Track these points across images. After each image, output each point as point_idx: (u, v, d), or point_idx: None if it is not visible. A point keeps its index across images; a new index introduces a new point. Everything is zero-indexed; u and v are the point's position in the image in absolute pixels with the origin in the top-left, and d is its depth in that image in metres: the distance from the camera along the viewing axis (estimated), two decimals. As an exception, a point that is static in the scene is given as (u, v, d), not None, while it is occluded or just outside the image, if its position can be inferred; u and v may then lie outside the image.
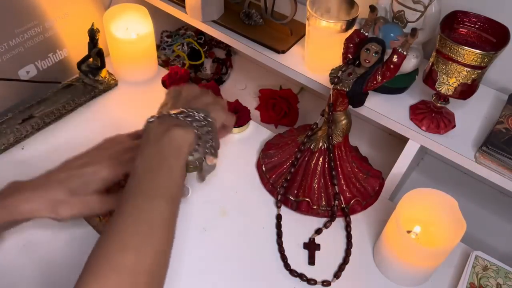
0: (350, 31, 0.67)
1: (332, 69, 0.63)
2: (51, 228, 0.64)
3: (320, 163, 0.69)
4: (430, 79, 0.63)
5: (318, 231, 0.67)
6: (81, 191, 0.56)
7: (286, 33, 0.79)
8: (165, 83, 0.85)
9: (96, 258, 0.44)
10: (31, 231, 0.63)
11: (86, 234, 0.64)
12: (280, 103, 0.91)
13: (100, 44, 0.79)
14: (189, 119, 0.53)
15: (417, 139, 0.68)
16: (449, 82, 0.61)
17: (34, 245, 0.62)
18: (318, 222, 0.69)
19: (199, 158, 0.56)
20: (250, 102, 0.95)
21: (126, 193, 0.49)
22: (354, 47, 0.62)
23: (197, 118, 0.54)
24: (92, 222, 0.65)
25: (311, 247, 0.65)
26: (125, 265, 0.43)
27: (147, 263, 0.44)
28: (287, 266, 0.63)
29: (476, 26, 0.61)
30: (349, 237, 0.67)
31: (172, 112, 0.54)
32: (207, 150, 0.55)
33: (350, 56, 0.63)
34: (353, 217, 0.69)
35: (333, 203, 0.68)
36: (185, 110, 0.54)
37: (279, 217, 0.68)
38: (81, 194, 0.56)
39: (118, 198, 0.58)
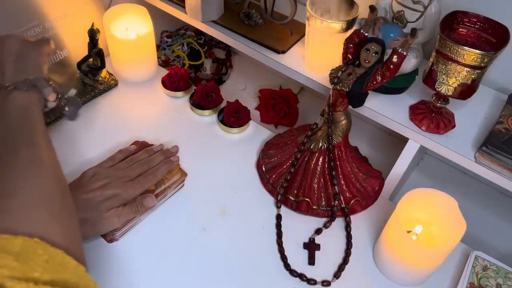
0: (350, 31, 0.67)
1: (332, 69, 0.63)
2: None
3: (320, 163, 0.69)
4: (430, 79, 0.63)
5: (318, 231, 0.67)
6: (102, 209, 0.59)
7: (286, 33, 0.79)
8: (165, 83, 0.85)
9: None
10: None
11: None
12: (280, 103, 0.91)
13: (100, 44, 0.79)
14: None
15: (417, 139, 0.68)
16: (449, 82, 0.61)
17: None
18: (318, 222, 0.69)
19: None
20: (250, 102, 0.95)
21: None
22: (354, 47, 0.62)
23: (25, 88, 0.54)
24: None
25: (311, 247, 0.65)
26: (14, 205, 0.43)
27: (39, 194, 0.45)
28: (287, 266, 0.63)
29: (476, 26, 0.61)
30: (349, 237, 0.67)
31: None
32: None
33: (350, 56, 0.63)
34: (353, 217, 0.69)
35: (333, 203, 0.68)
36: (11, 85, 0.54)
37: (279, 217, 0.68)
38: (102, 212, 0.59)
39: (134, 207, 0.62)
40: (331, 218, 0.68)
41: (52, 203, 0.45)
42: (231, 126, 0.79)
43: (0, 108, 0.52)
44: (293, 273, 0.62)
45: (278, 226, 0.67)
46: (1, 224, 0.40)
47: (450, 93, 0.62)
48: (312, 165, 0.69)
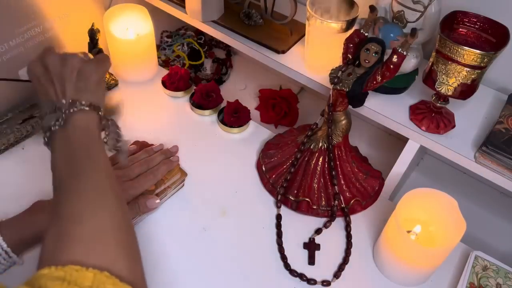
0: (350, 31, 0.67)
1: (332, 69, 0.63)
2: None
3: (320, 163, 0.69)
4: (430, 79, 0.63)
5: (318, 231, 0.67)
6: None
7: (286, 33, 0.79)
8: (165, 83, 0.85)
9: (55, 240, 0.42)
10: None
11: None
12: (280, 103, 0.91)
13: (100, 44, 0.80)
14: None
15: (417, 139, 0.68)
16: (449, 82, 0.61)
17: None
18: (318, 222, 0.69)
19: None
20: (250, 102, 0.95)
21: (57, 188, 0.47)
22: (354, 47, 0.62)
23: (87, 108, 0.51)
24: None
25: (311, 247, 0.65)
26: (84, 234, 0.41)
27: (107, 224, 0.43)
28: (287, 266, 0.63)
29: (476, 26, 0.61)
30: (349, 237, 0.67)
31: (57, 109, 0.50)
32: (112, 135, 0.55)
33: (350, 56, 0.63)
34: (353, 217, 0.69)
35: (333, 203, 0.68)
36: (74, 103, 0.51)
37: (279, 217, 0.68)
38: None
39: (135, 207, 0.62)
40: (331, 218, 0.68)
41: (119, 234, 0.43)
42: (231, 126, 0.79)
43: (62, 129, 0.49)
44: (293, 273, 0.62)
45: (278, 226, 0.67)
46: (72, 253, 0.39)
47: (450, 93, 0.62)
48: (312, 165, 0.69)
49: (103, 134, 0.54)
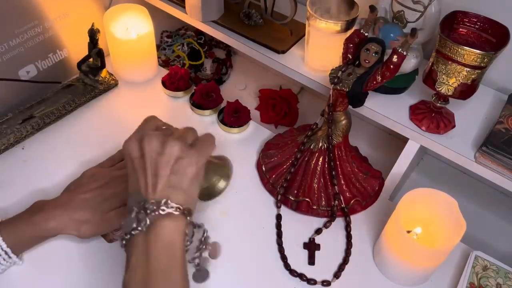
0: (350, 31, 0.67)
1: (332, 69, 0.63)
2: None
3: (320, 163, 0.69)
4: (430, 79, 0.63)
5: (318, 231, 0.67)
6: (102, 210, 0.59)
7: (286, 33, 0.79)
8: (165, 83, 0.85)
9: None
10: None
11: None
12: (280, 103, 0.91)
13: (100, 44, 0.79)
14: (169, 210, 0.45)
15: (417, 139, 0.68)
16: (449, 82, 0.61)
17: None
18: (318, 222, 0.69)
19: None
20: (250, 102, 0.95)
21: None
22: (354, 47, 0.62)
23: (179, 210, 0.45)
24: None
25: (311, 247, 0.65)
26: None
27: None
28: (287, 266, 0.63)
29: (476, 26, 0.61)
30: (349, 237, 0.67)
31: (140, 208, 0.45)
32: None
33: (350, 56, 0.63)
34: (353, 217, 0.69)
35: (333, 203, 0.68)
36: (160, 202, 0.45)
37: (279, 217, 0.68)
38: (103, 213, 0.59)
39: None
40: (331, 218, 0.68)
41: None
42: (231, 126, 0.79)
43: (143, 238, 0.44)
44: (293, 273, 0.62)
45: (278, 226, 0.67)
46: None
47: (450, 93, 0.62)
48: (312, 165, 0.69)
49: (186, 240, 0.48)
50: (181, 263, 0.45)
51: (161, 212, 0.44)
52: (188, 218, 0.46)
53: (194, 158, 0.48)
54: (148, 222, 0.44)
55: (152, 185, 0.46)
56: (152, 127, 0.51)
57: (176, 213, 0.45)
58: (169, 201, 0.45)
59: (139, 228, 0.44)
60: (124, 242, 0.46)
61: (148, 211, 0.44)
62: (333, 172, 0.68)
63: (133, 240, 0.45)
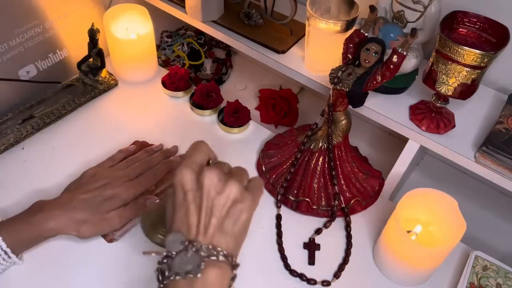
0: (350, 31, 0.67)
1: (332, 69, 0.63)
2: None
3: (320, 163, 0.69)
4: (430, 79, 0.63)
5: (318, 231, 0.67)
6: (102, 210, 0.59)
7: (286, 33, 0.79)
8: (165, 83, 0.85)
9: None
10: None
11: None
12: (280, 103, 0.91)
13: (100, 44, 0.79)
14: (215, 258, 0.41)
15: (417, 139, 0.68)
16: (449, 82, 0.61)
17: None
18: (318, 222, 0.69)
19: None
20: (250, 102, 0.95)
21: None
22: (354, 47, 0.62)
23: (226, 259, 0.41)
24: None
25: (311, 247, 0.65)
26: None
27: None
28: (287, 266, 0.63)
29: (476, 26, 0.61)
30: (349, 237, 0.67)
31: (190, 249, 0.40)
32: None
33: (350, 56, 0.63)
34: (353, 217, 0.69)
35: (333, 203, 0.68)
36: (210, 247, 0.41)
37: (279, 217, 0.68)
38: (102, 213, 0.59)
39: (135, 208, 0.62)
40: (331, 218, 0.68)
41: None
42: (231, 126, 0.79)
43: (189, 281, 0.39)
44: (293, 273, 0.62)
45: (278, 226, 0.67)
46: None
47: (450, 93, 0.62)
48: (312, 165, 0.69)
49: None
50: None
51: (212, 258, 0.40)
52: (235, 271, 0.43)
53: (249, 203, 0.44)
54: (202, 267, 0.39)
55: (204, 224, 0.42)
56: (204, 158, 0.47)
57: (225, 262, 0.41)
58: (218, 248, 0.41)
59: (193, 273, 0.39)
60: (164, 281, 0.40)
61: (200, 255, 0.40)
62: (333, 172, 0.68)
63: (175, 281, 0.40)
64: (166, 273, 0.40)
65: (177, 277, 0.39)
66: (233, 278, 0.43)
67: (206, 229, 0.42)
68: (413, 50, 0.68)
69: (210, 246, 0.41)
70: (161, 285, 0.40)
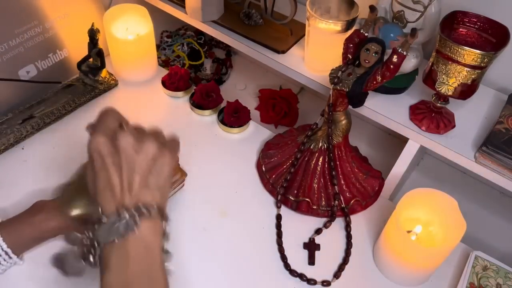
0: (350, 31, 0.67)
1: (332, 69, 0.63)
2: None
3: (320, 163, 0.69)
4: (430, 79, 0.63)
5: (318, 231, 0.67)
6: None
7: (286, 33, 0.79)
8: (165, 83, 0.85)
9: None
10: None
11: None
12: (280, 103, 0.91)
13: (100, 44, 0.79)
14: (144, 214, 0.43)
15: (417, 139, 0.68)
16: (449, 82, 0.61)
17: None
18: (318, 222, 0.69)
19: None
20: (250, 102, 0.95)
21: None
22: (354, 47, 0.62)
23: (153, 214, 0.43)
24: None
25: (311, 247, 0.65)
26: None
27: None
28: (287, 266, 0.63)
29: (476, 26, 0.61)
30: (349, 237, 0.67)
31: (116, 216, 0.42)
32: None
33: (350, 56, 0.63)
34: (353, 217, 0.69)
35: (333, 203, 0.68)
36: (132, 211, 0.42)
37: (279, 217, 0.68)
38: None
39: None
40: (331, 218, 0.68)
41: None
42: (231, 126, 0.79)
43: (120, 243, 0.41)
44: (293, 273, 0.62)
45: (278, 226, 0.67)
46: None
47: (450, 93, 0.62)
48: (312, 165, 0.69)
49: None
50: (160, 263, 0.44)
51: (143, 214, 0.42)
52: (164, 222, 0.45)
53: (169, 156, 0.46)
54: (133, 227, 0.41)
55: (127, 185, 0.43)
56: (116, 123, 0.47)
57: (154, 214, 0.43)
58: (147, 202, 0.43)
59: (118, 235, 0.41)
60: (93, 253, 0.43)
61: (129, 215, 0.42)
62: (333, 172, 0.68)
63: (106, 249, 0.42)
64: (100, 244, 0.42)
65: (117, 238, 0.41)
66: (166, 238, 0.45)
67: (130, 187, 0.43)
68: (413, 50, 0.68)
69: (139, 204, 0.42)
70: (93, 260, 0.43)
